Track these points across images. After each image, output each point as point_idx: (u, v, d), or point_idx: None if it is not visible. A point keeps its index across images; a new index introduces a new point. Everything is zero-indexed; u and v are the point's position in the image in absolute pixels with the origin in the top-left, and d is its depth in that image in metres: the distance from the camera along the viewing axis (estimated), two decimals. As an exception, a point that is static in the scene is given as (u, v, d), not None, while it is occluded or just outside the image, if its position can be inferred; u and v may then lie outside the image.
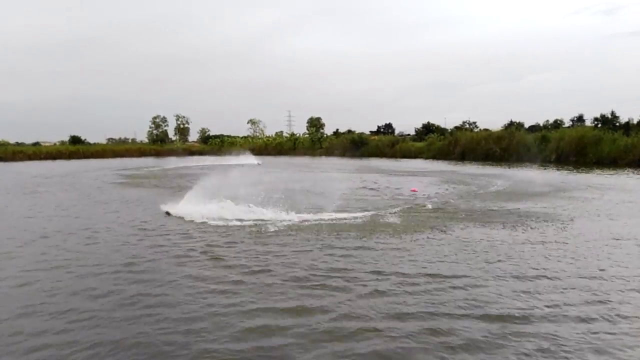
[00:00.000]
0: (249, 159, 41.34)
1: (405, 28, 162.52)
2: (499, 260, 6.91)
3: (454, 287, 5.68)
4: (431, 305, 5.08)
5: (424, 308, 5.02)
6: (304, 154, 61.17)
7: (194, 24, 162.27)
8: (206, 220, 10.05)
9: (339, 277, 6.09)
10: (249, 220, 9.98)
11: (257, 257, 7.09)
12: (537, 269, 6.44)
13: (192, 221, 10.16)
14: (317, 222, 9.96)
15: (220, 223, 9.77)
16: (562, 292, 5.53)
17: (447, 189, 16.83)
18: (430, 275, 6.15)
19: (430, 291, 5.54)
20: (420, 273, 6.25)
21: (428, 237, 8.50)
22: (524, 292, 5.52)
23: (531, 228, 9.40)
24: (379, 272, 6.26)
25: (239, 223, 9.74)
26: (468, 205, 12.73)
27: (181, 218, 10.60)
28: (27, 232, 9.43)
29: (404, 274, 6.21)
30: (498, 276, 6.12)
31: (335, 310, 4.98)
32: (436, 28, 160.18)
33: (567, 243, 8.05)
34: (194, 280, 6.04)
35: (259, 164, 37.78)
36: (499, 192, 15.79)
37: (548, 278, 6.04)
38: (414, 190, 16.21)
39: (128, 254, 7.43)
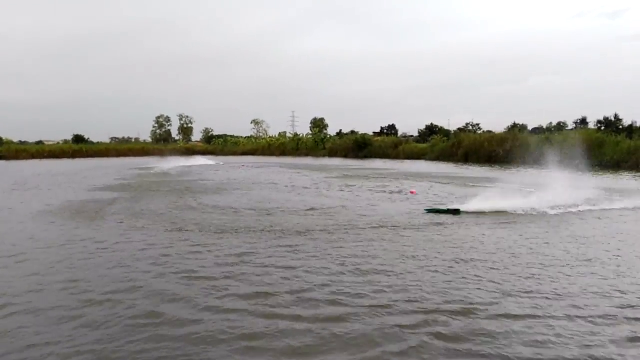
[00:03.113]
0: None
1: (410, 30, 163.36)
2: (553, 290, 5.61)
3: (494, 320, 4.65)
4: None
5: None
6: (307, 154, 61.45)
7: (199, 24, 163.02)
8: None
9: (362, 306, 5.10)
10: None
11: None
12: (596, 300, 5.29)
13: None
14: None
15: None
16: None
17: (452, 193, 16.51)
18: (465, 304, 5.12)
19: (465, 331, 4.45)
20: (455, 300, 5.22)
21: (447, 252, 7.64)
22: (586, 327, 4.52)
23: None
24: (426, 311, 4.96)
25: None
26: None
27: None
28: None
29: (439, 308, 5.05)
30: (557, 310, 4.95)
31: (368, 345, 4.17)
32: (440, 30, 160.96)
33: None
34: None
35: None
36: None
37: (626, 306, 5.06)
38: (412, 192, 16.50)
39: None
